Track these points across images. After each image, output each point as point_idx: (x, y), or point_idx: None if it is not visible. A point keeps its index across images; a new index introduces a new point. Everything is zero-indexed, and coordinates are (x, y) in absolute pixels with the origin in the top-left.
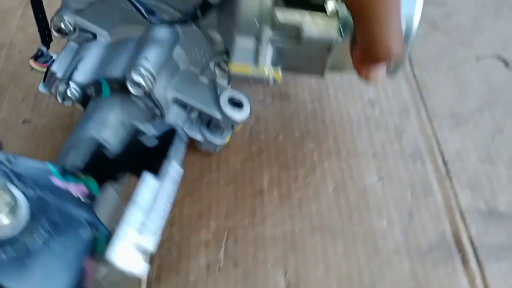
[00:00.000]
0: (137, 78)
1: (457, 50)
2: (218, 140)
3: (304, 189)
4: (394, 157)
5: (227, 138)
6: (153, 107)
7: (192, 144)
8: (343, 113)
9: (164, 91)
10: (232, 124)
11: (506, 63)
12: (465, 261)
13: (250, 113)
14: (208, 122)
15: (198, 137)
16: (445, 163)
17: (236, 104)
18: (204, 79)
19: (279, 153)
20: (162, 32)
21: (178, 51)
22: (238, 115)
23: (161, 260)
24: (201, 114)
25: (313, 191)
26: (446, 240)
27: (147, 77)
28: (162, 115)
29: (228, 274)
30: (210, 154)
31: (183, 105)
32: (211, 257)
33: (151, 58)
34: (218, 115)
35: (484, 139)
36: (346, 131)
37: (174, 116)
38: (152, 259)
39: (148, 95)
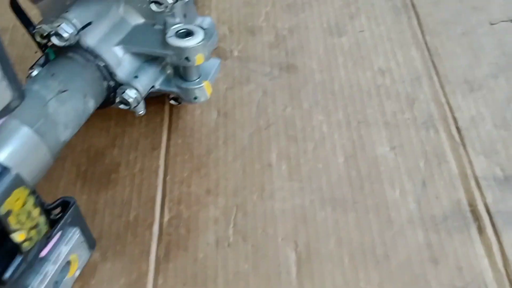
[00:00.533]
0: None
1: (470, 15)
2: (194, 86)
3: (314, 161)
4: (406, 126)
5: (205, 84)
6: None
7: (201, 120)
8: (353, 82)
9: (109, 46)
10: (187, 57)
11: None
12: (481, 229)
13: (204, 39)
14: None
15: (174, 89)
16: (458, 130)
17: (187, 35)
18: (158, 27)
19: (287, 126)
20: None
21: (123, 8)
22: (186, 43)
23: (169, 237)
24: (175, 69)
25: (323, 163)
26: (461, 209)
27: (68, 29)
28: (111, 75)
29: (237, 250)
30: (218, 128)
31: (151, 60)
32: (220, 233)
33: (74, 11)
34: (169, 52)
35: (499, 104)
36: (356, 101)
37: (126, 75)
38: (160, 237)
39: (82, 48)
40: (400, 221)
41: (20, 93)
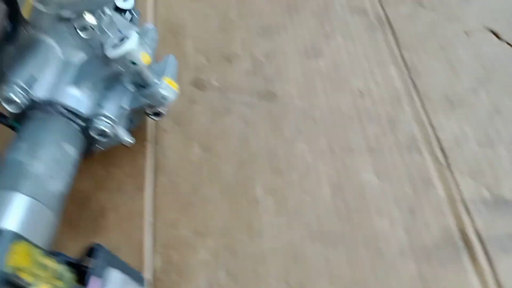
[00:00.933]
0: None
1: (445, 26)
2: (157, 87)
3: (300, 194)
4: (389, 150)
5: (166, 81)
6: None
7: (185, 157)
8: (333, 107)
9: (63, 90)
10: (131, 61)
11: (497, 35)
12: (473, 257)
13: (140, 37)
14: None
15: (142, 101)
16: (443, 151)
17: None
18: (99, 52)
19: (271, 158)
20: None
21: (60, 51)
22: (123, 48)
23: (161, 283)
24: (135, 84)
25: (309, 195)
26: (451, 236)
27: (22, 94)
28: (75, 115)
29: None
30: (202, 164)
31: (110, 86)
32: (211, 277)
33: (14, 73)
34: (115, 66)
35: (481, 121)
36: (338, 127)
37: (90, 108)
38: (152, 283)
39: (37, 103)
40: (391, 253)
41: None
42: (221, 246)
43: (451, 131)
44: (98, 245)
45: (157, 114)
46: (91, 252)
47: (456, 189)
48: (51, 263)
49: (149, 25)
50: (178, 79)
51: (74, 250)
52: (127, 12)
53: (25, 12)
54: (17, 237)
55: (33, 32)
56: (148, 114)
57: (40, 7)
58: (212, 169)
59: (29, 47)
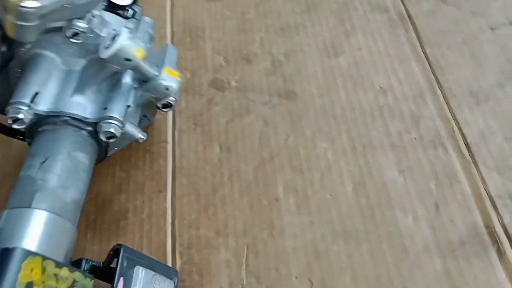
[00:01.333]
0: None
1: (470, 21)
2: (158, 79)
3: (322, 192)
4: (413, 146)
5: (165, 71)
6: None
7: (204, 157)
8: (354, 104)
9: (66, 99)
10: (125, 58)
11: None
12: (501, 253)
13: (130, 32)
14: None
15: (146, 96)
16: (468, 146)
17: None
18: (95, 56)
19: (291, 157)
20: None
21: (61, 61)
22: (115, 46)
23: (183, 284)
24: (137, 80)
25: (331, 193)
26: (478, 232)
27: (26, 111)
28: (82, 122)
29: None
30: (222, 165)
31: (112, 87)
32: (233, 276)
33: (17, 92)
34: (111, 66)
35: (508, 115)
36: (359, 124)
37: (96, 113)
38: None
39: (42, 116)
40: (415, 249)
41: None
42: (242, 245)
43: (476, 126)
44: (121, 245)
45: (167, 105)
46: (116, 253)
47: (482, 184)
48: (66, 272)
49: (146, 18)
50: (197, 80)
51: (98, 253)
52: (128, 8)
53: (8, 30)
54: (29, 253)
55: (31, 48)
56: (159, 108)
57: (23, 22)
58: (232, 169)
59: (29, 63)
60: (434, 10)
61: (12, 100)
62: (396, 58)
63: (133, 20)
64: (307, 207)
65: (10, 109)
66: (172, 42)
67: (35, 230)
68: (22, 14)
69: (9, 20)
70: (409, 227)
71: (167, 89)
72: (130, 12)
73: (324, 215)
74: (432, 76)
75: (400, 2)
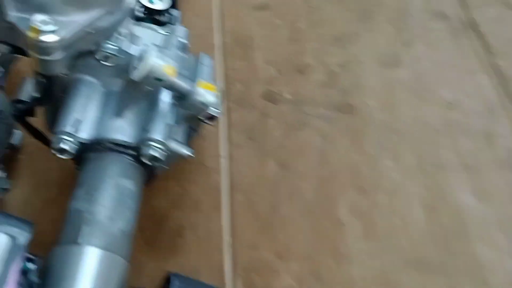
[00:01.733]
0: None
1: None
2: (194, 96)
3: (390, 217)
4: (487, 167)
5: (201, 86)
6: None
7: (261, 173)
8: (419, 120)
9: (107, 124)
10: (155, 78)
11: None
12: None
13: (158, 50)
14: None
15: (188, 113)
16: None
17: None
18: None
19: (353, 175)
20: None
21: (101, 84)
22: (143, 68)
23: None
24: (175, 97)
25: (400, 218)
26: None
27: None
28: (123, 147)
29: None
30: (279, 182)
31: (150, 106)
32: None
33: (61, 121)
34: (144, 86)
35: None
36: (426, 142)
37: (136, 136)
38: None
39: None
40: (498, 283)
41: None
42: (306, 271)
43: None
44: (173, 274)
45: (211, 118)
46: (168, 281)
47: None
48: None
49: (177, 26)
50: (249, 91)
51: (154, 270)
52: (165, 13)
53: (34, 65)
54: None
55: (69, 73)
56: (202, 120)
57: (46, 57)
58: (290, 187)
59: (70, 89)
60: (500, 17)
61: (55, 129)
62: (462, 69)
63: (168, 26)
64: (374, 232)
65: (54, 139)
66: (222, 52)
67: (86, 270)
68: (44, 49)
69: (33, 56)
70: (490, 259)
71: (203, 104)
72: (167, 17)
73: (394, 242)
74: (502, 89)
75: (460, 9)
